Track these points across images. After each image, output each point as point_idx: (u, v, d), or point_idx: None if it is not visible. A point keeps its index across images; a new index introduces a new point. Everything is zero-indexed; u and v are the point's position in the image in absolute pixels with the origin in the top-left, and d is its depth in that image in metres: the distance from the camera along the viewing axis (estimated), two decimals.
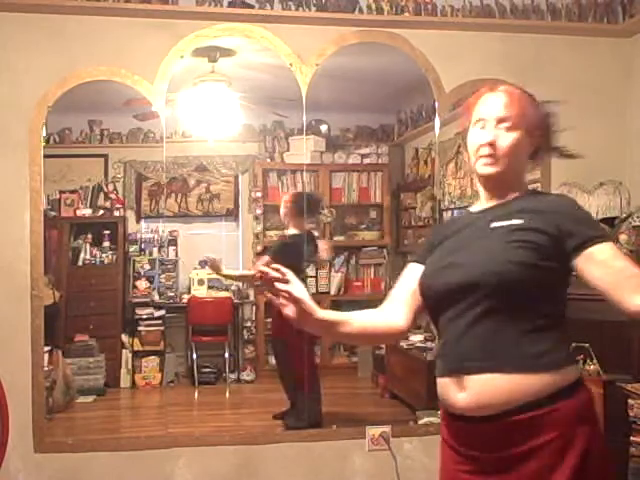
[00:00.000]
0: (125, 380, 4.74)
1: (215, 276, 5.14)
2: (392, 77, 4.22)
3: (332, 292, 5.09)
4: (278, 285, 1.49)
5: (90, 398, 4.42)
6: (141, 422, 4.37)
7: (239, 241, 5.23)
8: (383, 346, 4.76)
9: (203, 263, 5.08)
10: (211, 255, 4.57)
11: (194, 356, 4.89)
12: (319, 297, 4.94)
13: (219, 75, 4.11)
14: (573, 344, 2.86)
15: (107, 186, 5.08)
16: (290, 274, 1.50)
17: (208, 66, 4.02)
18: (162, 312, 4.90)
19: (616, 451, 2.72)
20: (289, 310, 1.51)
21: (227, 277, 4.76)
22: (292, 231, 4.17)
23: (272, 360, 5.02)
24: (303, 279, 4.00)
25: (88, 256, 4.96)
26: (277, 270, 1.48)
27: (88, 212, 4.99)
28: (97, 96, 3.64)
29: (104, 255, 4.97)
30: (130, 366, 4.76)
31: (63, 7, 3.12)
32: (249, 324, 5.16)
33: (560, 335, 1.53)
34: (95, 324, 4.78)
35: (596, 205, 3.42)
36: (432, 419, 3.37)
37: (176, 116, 4.26)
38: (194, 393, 4.85)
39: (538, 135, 1.62)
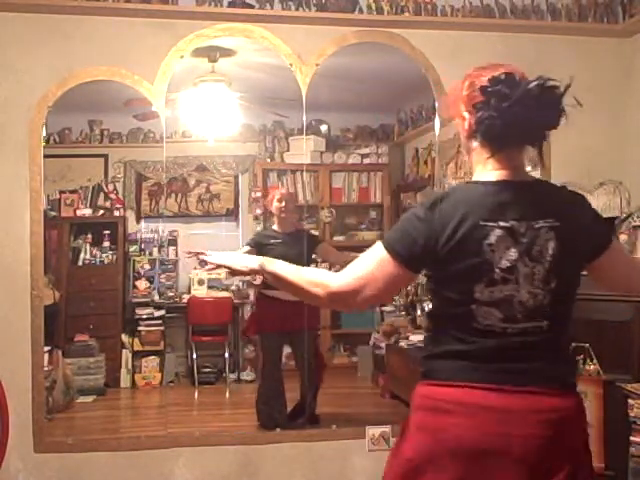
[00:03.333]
0: (125, 380, 4.74)
1: (215, 276, 5.14)
2: (392, 77, 4.22)
3: None
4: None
5: (90, 398, 4.42)
6: (141, 422, 4.37)
7: (239, 241, 5.23)
8: (383, 346, 4.77)
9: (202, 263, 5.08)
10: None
11: (194, 356, 4.88)
12: None
13: (219, 75, 4.11)
14: (573, 344, 2.88)
15: (107, 186, 5.08)
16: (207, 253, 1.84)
17: (208, 66, 4.02)
18: (162, 312, 4.89)
19: (616, 451, 2.73)
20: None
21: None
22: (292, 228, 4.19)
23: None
24: None
25: (88, 256, 4.95)
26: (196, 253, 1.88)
27: (88, 212, 4.99)
28: (97, 96, 3.64)
29: (104, 255, 4.97)
30: (130, 366, 4.76)
31: (63, 7, 3.12)
32: None
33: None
34: (95, 324, 4.78)
35: (596, 205, 3.41)
36: None
37: (176, 116, 4.27)
38: (194, 393, 4.85)
39: (458, 113, 1.64)
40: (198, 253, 1.86)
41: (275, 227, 4.19)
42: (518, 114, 1.49)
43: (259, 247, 4.06)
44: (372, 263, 1.57)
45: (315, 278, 1.62)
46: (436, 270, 1.58)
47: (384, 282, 1.55)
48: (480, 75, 1.58)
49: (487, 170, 1.59)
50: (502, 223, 1.51)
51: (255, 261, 1.72)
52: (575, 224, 1.56)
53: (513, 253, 1.51)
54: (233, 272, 1.78)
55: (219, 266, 1.80)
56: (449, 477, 1.50)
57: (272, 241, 4.04)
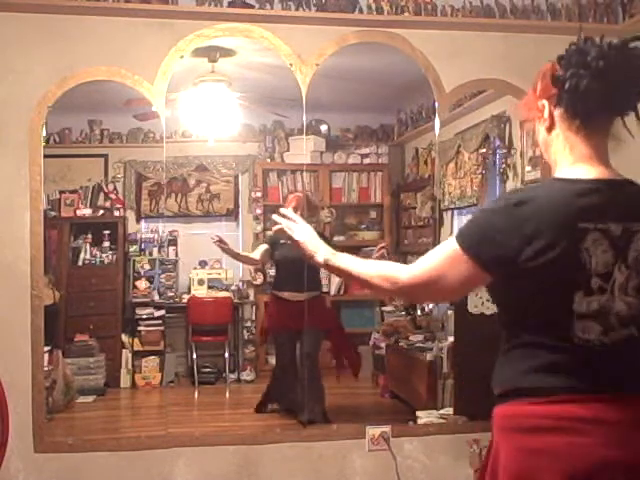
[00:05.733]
0: (125, 380, 4.75)
1: (215, 276, 5.14)
2: (392, 77, 4.22)
3: (332, 292, 5.09)
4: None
5: (90, 398, 4.42)
6: (141, 422, 4.37)
7: (239, 241, 5.23)
8: (383, 346, 4.77)
9: (203, 263, 5.10)
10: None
11: (194, 356, 4.89)
12: None
13: (219, 75, 4.12)
14: None
15: (107, 186, 5.08)
16: (294, 219, 1.77)
17: (208, 66, 4.02)
18: (162, 312, 4.90)
19: None
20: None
21: (233, 256, 4.68)
22: None
23: (272, 360, 5.04)
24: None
25: (88, 256, 4.96)
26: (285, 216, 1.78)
27: (88, 212, 5.00)
28: (97, 96, 3.64)
29: (104, 255, 4.98)
30: (130, 366, 4.76)
31: (63, 7, 3.11)
32: (249, 324, 5.17)
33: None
34: (95, 324, 4.79)
35: None
36: (432, 419, 3.37)
37: (176, 116, 4.27)
38: (194, 393, 4.85)
39: (536, 109, 1.55)
40: (285, 219, 1.77)
41: None
42: (604, 70, 1.41)
43: (274, 246, 4.15)
44: (444, 258, 1.46)
45: (384, 272, 1.55)
46: (522, 280, 1.41)
47: (455, 280, 1.45)
48: (548, 66, 1.55)
49: (574, 161, 1.48)
50: (600, 225, 1.39)
51: (321, 255, 1.67)
52: None
53: (610, 257, 1.40)
54: (301, 249, 1.73)
55: (294, 240, 1.74)
56: None
57: (284, 241, 4.07)
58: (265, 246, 4.28)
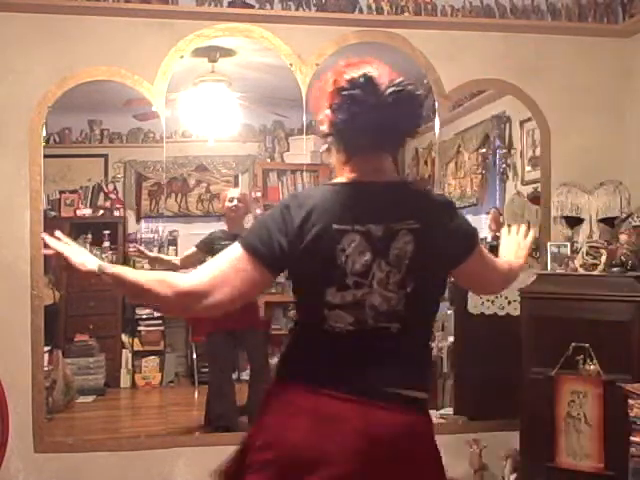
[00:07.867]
0: (125, 380, 4.74)
1: None
2: None
3: None
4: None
5: (90, 398, 4.42)
6: (141, 422, 4.37)
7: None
8: None
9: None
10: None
11: (194, 356, 4.88)
12: None
13: (219, 75, 4.11)
14: (572, 344, 2.88)
15: (107, 186, 5.07)
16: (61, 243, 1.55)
17: (208, 66, 4.01)
18: None
19: (616, 451, 2.73)
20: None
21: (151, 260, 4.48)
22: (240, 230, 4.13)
23: (272, 360, 5.04)
24: None
25: None
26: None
27: (88, 212, 4.99)
28: (97, 96, 3.64)
29: (104, 255, 4.97)
30: (130, 366, 4.76)
31: (63, 7, 3.12)
32: None
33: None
34: (95, 324, 4.78)
35: (596, 205, 3.41)
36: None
37: (176, 116, 4.26)
38: (194, 393, 4.84)
39: (322, 107, 1.55)
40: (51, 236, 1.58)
41: (225, 228, 4.13)
42: (371, 121, 1.43)
43: (208, 249, 3.96)
44: (228, 262, 1.48)
45: (163, 278, 1.49)
46: (291, 272, 1.51)
47: (239, 283, 1.47)
48: (344, 73, 1.55)
49: (345, 171, 1.53)
50: (358, 227, 1.45)
51: (94, 263, 1.51)
52: (438, 228, 1.51)
53: (368, 257, 1.45)
54: (70, 267, 1.53)
55: (59, 254, 1.53)
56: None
57: (221, 242, 3.91)
58: (193, 249, 4.05)
